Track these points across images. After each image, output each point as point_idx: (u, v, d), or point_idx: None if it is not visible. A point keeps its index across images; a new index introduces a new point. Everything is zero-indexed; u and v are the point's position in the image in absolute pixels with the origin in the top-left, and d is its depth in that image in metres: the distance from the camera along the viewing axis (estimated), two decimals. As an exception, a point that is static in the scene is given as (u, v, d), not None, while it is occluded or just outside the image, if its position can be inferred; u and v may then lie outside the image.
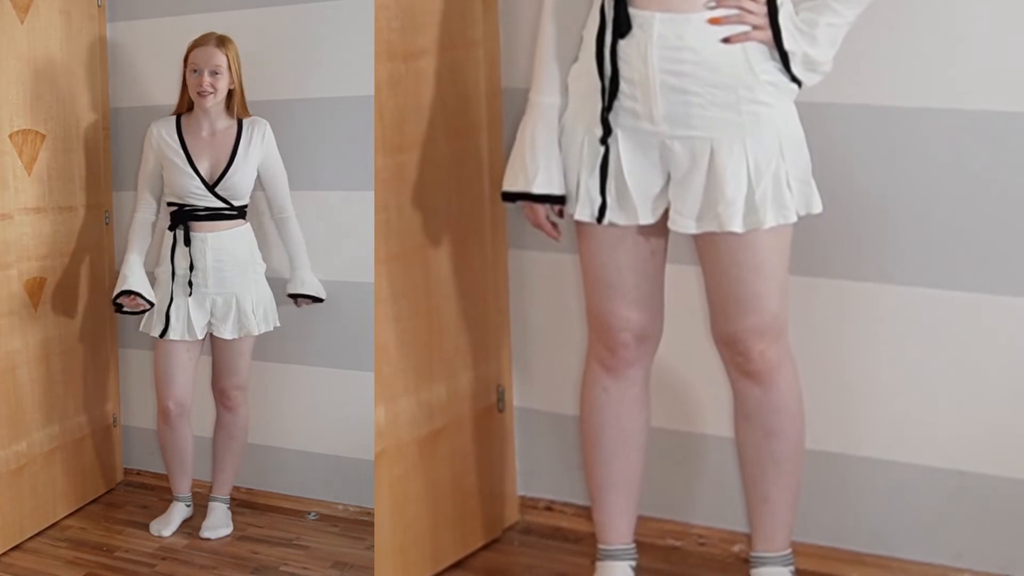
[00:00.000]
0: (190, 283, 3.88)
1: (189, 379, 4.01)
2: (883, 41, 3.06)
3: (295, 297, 4.03)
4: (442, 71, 3.31)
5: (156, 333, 3.93)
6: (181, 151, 3.88)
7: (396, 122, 3.18)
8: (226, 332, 3.93)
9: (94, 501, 4.40)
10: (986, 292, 3.08)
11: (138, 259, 3.97)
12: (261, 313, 3.97)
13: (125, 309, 3.95)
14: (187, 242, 3.87)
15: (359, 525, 4.08)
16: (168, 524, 4.09)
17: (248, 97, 3.94)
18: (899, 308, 3.19)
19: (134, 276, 3.93)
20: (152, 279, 4.00)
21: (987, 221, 3.05)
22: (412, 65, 3.20)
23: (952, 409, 3.18)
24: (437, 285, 3.37)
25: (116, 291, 3.92)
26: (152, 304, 3.93)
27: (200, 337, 3.94)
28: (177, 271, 3.90)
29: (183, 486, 4.16)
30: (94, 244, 4.34)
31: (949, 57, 3.02)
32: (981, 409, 3.15)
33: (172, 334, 3.90)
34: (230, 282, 3.91)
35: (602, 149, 2.81)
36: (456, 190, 3.42)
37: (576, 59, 2.89)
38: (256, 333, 3.96)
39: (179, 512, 4.14)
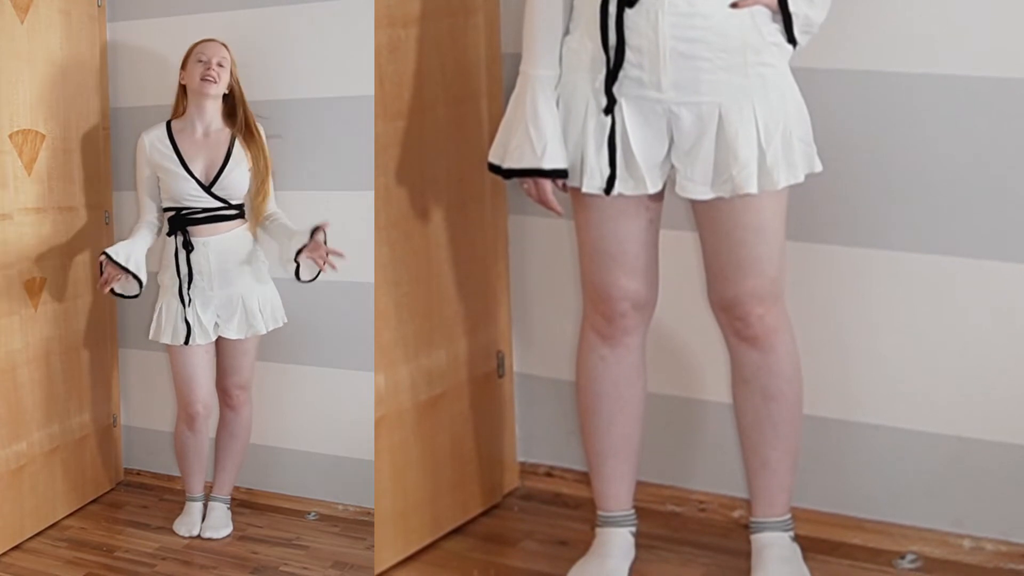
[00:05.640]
0: (189, 289, 3.86)
1: (211, 380, 4.02)
2: (880, 6, 3.10)
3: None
4: (442, 37, 3.35)
5: (180, 341, 3.89)
6: (174, 155, 3.87)
7: (396, 88, 3.21)
8: (231, 332, 3.91)
9: (94, 501, 4.38)
10: (983, 257, 3.11)
11: (139, 243, 3.91)
12: (268, 311, 3.96)
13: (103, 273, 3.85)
14: (187, 247, 3.86)
15: (359, 525, 4.05)
16: (195, 523, 4.07)
17: (248, 97, 3.95)
18: (896, 273, 3.22)
19: (124, 246, 3.87)
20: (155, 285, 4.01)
21: (984, 187, 3.07)
22: (412, 31, 3.24)
23: (951, 374, 3.20)
24: (437, 251, 3.40)
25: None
26: (140, 282, 3.86)
27: (213, 339, 3.93)
28: (181, 277, 3.87)
29: (198, 486, 4.14)
30: (94, 244, 4.32)
31: (946, 22, 3.05)
32: (980, 374, 3.17)
33: (197, 339, 3.88)
34: (235, 283, 3.90)
35: (608, 120, 2.82)
36: (456, 156, 3.45)
37: (568, 31, 2.90)
38: (264, 332, 3.95)
39: (199, 511, 4.11)
